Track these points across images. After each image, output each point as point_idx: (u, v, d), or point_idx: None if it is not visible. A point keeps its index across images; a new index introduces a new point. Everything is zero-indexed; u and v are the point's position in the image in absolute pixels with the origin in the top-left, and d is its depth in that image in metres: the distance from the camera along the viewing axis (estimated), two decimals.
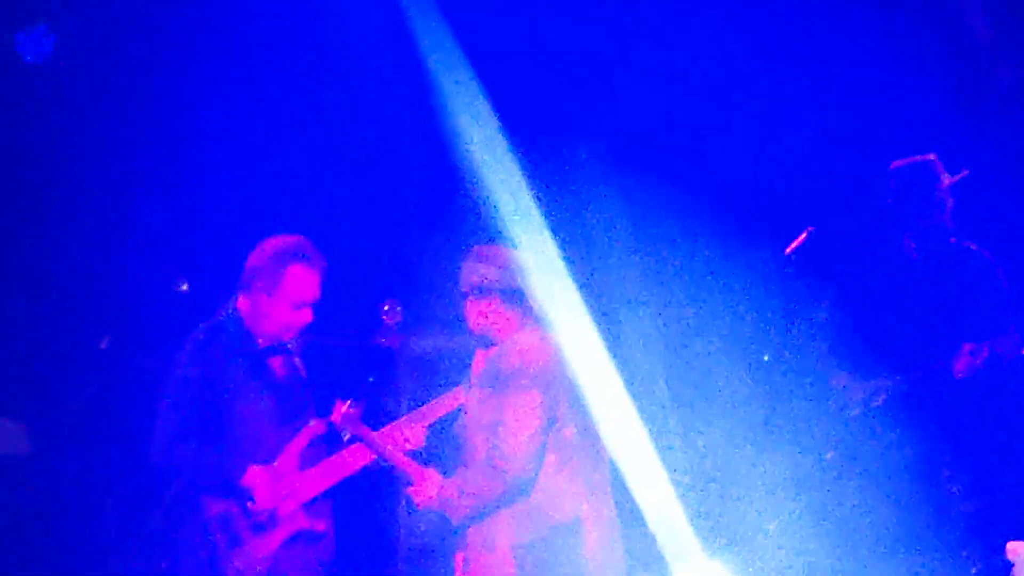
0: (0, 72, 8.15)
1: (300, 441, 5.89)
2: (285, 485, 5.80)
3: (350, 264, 7.48)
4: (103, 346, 6.80)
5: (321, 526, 5.93)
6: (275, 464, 5.84)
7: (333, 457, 5.95)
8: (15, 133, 8.52)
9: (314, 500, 5.91)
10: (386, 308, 6.44)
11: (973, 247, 6.83)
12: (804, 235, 6.83)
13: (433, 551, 6.97)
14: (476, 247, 6.02)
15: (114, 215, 9.01)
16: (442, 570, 6.14)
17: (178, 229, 8.85)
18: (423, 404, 6.07)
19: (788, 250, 6.82)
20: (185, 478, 5.83)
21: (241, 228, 6.70)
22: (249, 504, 5.71)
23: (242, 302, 5.98)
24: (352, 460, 5.94)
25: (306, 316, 5.98)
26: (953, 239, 6.81)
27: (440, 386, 6.26)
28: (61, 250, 9.15)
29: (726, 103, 8.00)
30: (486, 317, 5.91)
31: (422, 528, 6.77)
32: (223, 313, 6.02)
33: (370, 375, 6.07)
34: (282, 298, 5.94)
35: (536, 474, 5.70)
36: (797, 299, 6.94)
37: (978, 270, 6.77)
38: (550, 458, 5.73)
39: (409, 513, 7.08)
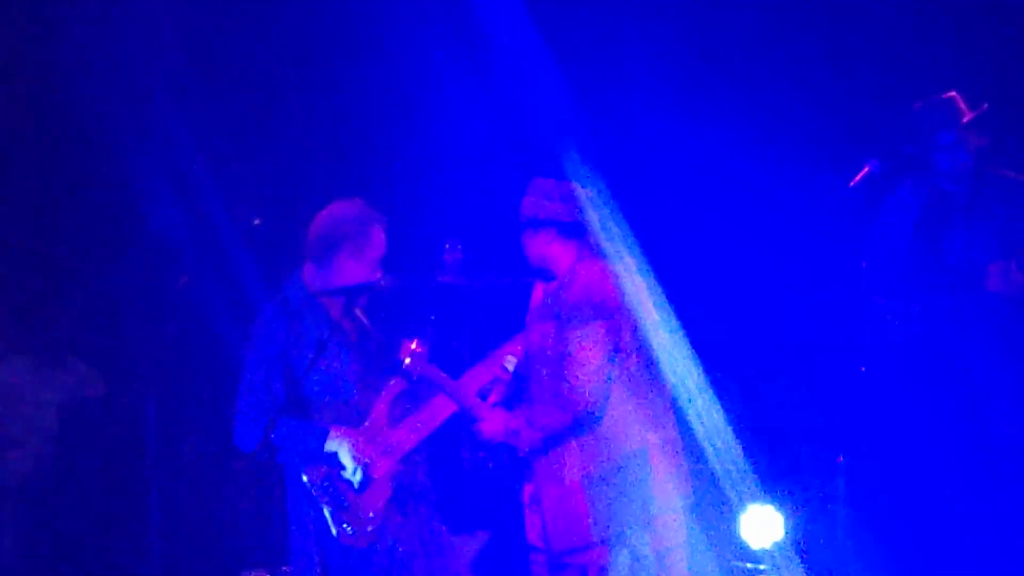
0: None
1: (385, 398, 5.85)
2: (379, 443, 5.78)
3: (410, 202, 7.53)
4: (183, 281, 6.83)
5: (421, 479, 5.91)
6: (367, 423, 5.81)
7: (422, 409, 5.92)
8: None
9: (411, 453, 5.87)
10: (447, 247, 6.43)
11: (1012, 175, 6.81)
12: (867, 168, 6.80)
13: (501, 486, 7.00)
14: (534, 180, 5.93)
15: (183, 164, 9.14)
16: (511, 504, 6.17)
17: (251, 174, 8.97)
18: (488, 348, 6.11)
19: (853, 183, 6.79)
20: (275, 453, 5.77)
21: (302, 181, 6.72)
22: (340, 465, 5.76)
23: (307, 272, 5.91)
24: (439, 410, 5.90)
25: (378, 272, 5.94)
26: (992, 168, 6.80)
27: (504, 322, 6.27)
28: (137, 195, 9.27)
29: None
30: (544, 250, 5.85)
31: (490, 464, 6.77)
32: (287, 286, 5.94)
33: (432, 314, 6.05)
34: (366, 259, 5.88)
35: (604, 405, 5.63)
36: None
37: (1016, 197, 6.76)
38: (616, 388, 5.65)
39: (476, 450, 7.10)
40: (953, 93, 6.77)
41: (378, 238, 5.93)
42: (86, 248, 9.71)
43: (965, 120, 6.70)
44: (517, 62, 7.56)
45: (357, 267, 5.88)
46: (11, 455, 8.93)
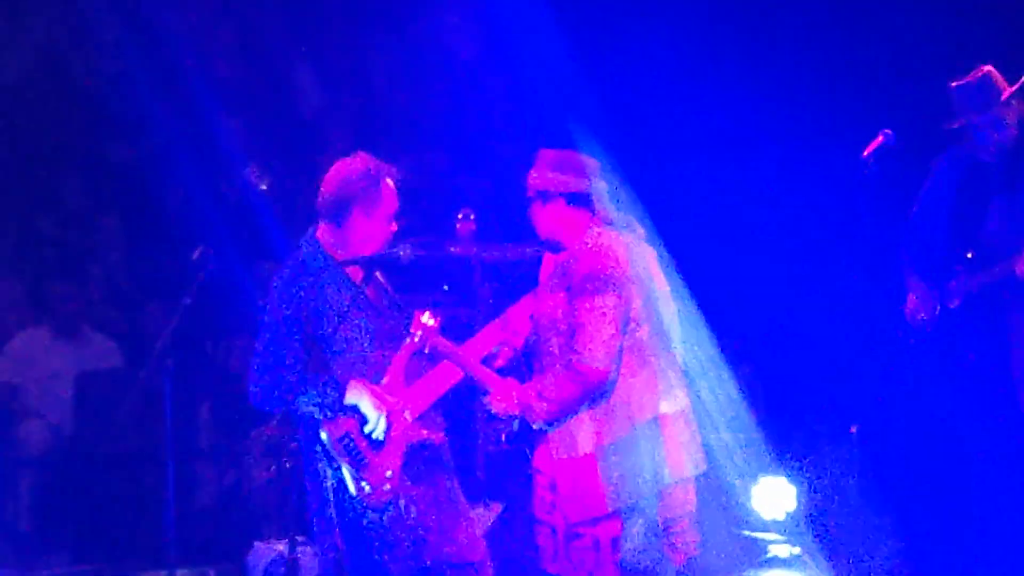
0: None
1: (402, 357, 5.76)
2: (397, 400, 5.69)
3: (422, 175, 7.52)
4: (195, 256, 6.82)
5: (438, 436, 5.82)
6: (384, 381, 5.71)
7: (438, 367, 5.82)
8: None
9: (427, 412, 5.78)
10: (460, 216, 6.40)
11: None
12: (880, 138, 6.76)
13: (512, 457, 6.98)
14: (541, 151, 5.84)
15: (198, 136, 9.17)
16: (522, 476, 6.15)
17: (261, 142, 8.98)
18: (501, 312, 5.96)
19: (865, 153, 6.75)
20: (293, 411, 5.71)
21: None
22: (363, 418, 5.65)
23: (323, 232, 5.81)
24: (455, 369, 5.81)
25: (394, 226, 5.85)
26: None
27: (515, 292, 6.24)
28: (152, 165, 9.31)
29: None
30: (553, 221, 5.76)
31: (502, 436, 6.71)
32: (302, 247, 5.84)
33: (445, 284, 6.03)
34: (380, 215, 5.78)
35: (615, 376, 5.57)
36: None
37: None
38: (627, 359, 5.58)
39: (487, 421, 7.08)
40: (990, 68, 6.73)
41: (388, 192, 5.83)
42: (102, 220, 9.75)
43: (1004, 97, 6.65)
44: (528, 32, 7.55)
45: (371, 224, 5.80)
46: (28, 425, 8.99)
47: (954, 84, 6.74)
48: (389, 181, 5.85)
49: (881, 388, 6.91)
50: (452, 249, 6.42)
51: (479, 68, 8.10)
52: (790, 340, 7.83)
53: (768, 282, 7.90)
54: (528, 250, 6.13)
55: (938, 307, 6.82)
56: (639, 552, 5.56)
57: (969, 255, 6.73)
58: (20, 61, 9.27)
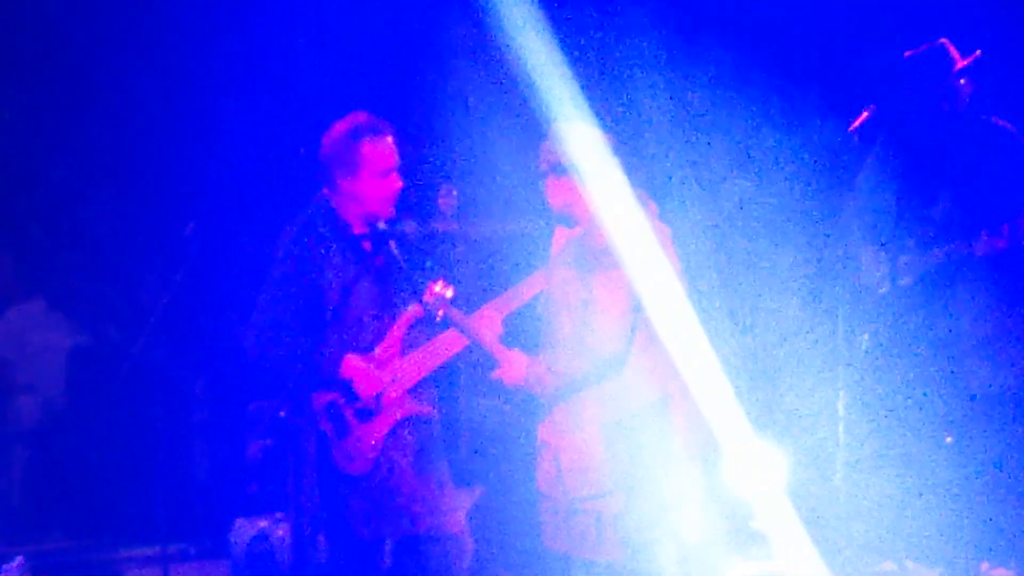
0: None
1: (401, 326, 5.76)
2: (389, 371, 5.69)
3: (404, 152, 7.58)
4: (188, 231, 6.91)
5: (428, 410, 5.81)
6: (378, 350, 5.72)
7: (434, 340, 5.79)
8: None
9: (419, 384, 5.78)
10: (441, 192, 6.45)
11: (1003, 124, 6.74)
12: (866, 114, 6.82)
13: (517, 432, 7.04)
14: (555, 125, 5.76)
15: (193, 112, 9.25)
16: (526, 451, 6.20)
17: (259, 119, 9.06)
18: (500, 292, 5.88)
19: (852, 128, 6.82)
20: (286, 372, 5.71)
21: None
22: (353, 394, 5.64)
23: (327, 193, 5.81)
24: (454, 342, 5.78)
25: (396, 182, 5.80)
26: (984, 116, 6.77)
27: (499, 270, 6.31)
28: (145, 140, 9.39)
29: None
30: (567, 195, 5.70)
31: (507, 409, 6.73)
32: (311, 206, 5.84)
33: (427, 260, 6.03)
34: (366, 174, 5.75)
35: (627, 353, 5.53)
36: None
37: (1006, 146, 6.70)
38: (639, 336, 5.54)
39: (492, 395, 7.11)
40: (943, 40, 6.79)
41: (371, 150, 5.79)
42: (94, 194, 9.83)
43: (957, 68, 6.72)
44: (510, 5, 7.59)
45: (360, 184, 5.79)
46: (20, 400, 9.07)
47: (907, 54, 6.80)
48: (375, 138, 5.78)
49: (860, 360, 6.98)
50: (435, 225, 6.48)
51: (462, 43, 8.15)
52: (772, 314, 7.89)
53: (753, 255, 7.94)
54: (510, 226, 6.18)
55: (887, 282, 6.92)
56: (641, 530, 5.57)
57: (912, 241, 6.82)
58: (8, 33, 9.35)
